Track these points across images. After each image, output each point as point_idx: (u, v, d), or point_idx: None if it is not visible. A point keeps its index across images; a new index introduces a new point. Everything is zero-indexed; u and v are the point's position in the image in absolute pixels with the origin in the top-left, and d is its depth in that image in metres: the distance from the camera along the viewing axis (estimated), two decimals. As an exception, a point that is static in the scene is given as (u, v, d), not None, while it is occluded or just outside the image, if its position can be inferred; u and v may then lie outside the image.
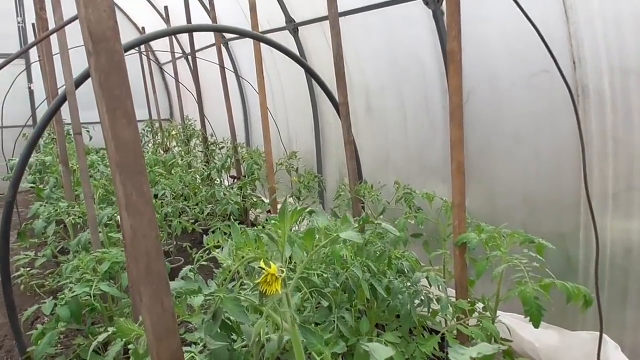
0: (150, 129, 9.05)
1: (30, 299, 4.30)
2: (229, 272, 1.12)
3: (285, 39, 5.25)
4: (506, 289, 2.55)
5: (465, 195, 2.68)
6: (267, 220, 4.84)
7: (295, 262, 1.71)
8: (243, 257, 1.11)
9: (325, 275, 2.12)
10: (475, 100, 3.28)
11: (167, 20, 7.32)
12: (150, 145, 9.00)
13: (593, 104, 2.64)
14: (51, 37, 3.87)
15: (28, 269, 3.94)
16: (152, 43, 9.50)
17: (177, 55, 8.33)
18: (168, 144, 8.39)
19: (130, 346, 1.40)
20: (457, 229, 2.71)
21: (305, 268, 2.19)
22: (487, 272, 2.49)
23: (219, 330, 1.21)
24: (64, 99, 2.98)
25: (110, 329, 1.48)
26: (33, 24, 7.92)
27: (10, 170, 5.17)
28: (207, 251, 2.37)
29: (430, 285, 2.45)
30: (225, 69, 5.74)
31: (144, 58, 9.16)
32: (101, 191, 3.67)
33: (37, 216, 4.14)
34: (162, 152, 8.11)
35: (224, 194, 5.13)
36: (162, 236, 4.59)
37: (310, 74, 3.62)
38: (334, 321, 2.08)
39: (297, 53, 5.12)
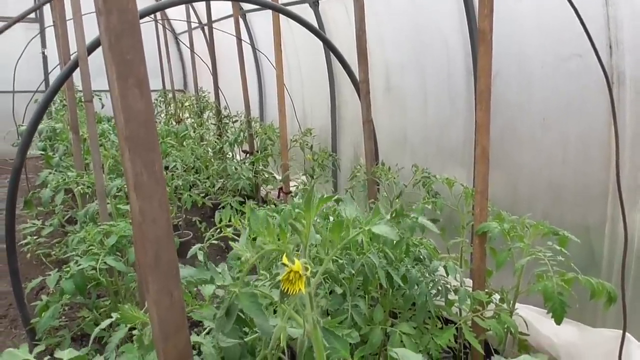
0: (163, 100, 8.94)
1: (37, 268, 4.26)
2: (247, 264, 1.02)
3: (305, 12, 5.09)
4: (525, 282, 2.45)
5: (488, 184, 2.56)
6: (279, 197, 4.75)
7: (316, 251, 1.61)
8: (262, 248, 1.01)
9: (340, 261, 2.02)
10: (501, 82, 3.13)
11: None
12: (162, 115, 8.90)
13: (629, 91, 2.49)
14: (65, 1, 3.76)
15: (35, 237, 3.89)
16: (168, 11, 9.33)
17: (193, 26, 8.18)
18: (181, 115, 8.28)
19: (134, 332, 1.31)
20: (478, 217, 2.60)
21: (318, 252, 2.09)
22: (506, 264, 2.38)
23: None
24: (75, 64, 2.87)
25: (115, 315, 1.39)
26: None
27: (21, 136, 5.09)
28: (218, 230, 2.28)
29: (448, 275, 2.35)
30: (242, 42, 5.59)
31: (159, 27, 9.01)
32: (111, 161, 3.58)
33: (45, 184, 4.08)
34: (174, 123, 8.01)
35: (236, 169, 5.04)
36: (172, 210, 4.51)
37: (330, 47, 3.48)
38: (348, 309, 1.99)
39: (317, 27, 4.96)
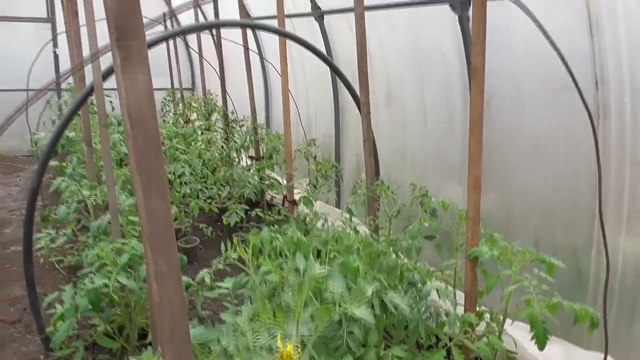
0: (171, 99, 9.09)
1: (49, 273, 4.44)
2: (247, 335, 1.16)
3: (310, 23, 5.22)
4: (517, 299, 2.59)
5: (481, 203, 2.69)
6: (283, 204, 4.88)
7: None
8: (260, 322, 1.16)
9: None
10: (496, 106, 3.26)
11: (192, -8, 7.28)
12: (170, 115, 9.05)
13: (614, 125, 2.62)
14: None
15: (49, 243, 4.05)
16: (178, 15, 9.46)
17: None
18: (189, 114, 8.43)
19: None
20: (470, 241, 2.73)
21: (317, 282, 2.24)
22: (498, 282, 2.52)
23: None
24: (91, 90, 3.02)
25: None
26: (60, -10, 7.94)
27: (35, 144, 5.26)
28: (235, 240, 2.44)
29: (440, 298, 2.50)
30: (250, 50, 5.72)
31: (169, 26, 9.13)
32: (123, 178, 3.74)
33: (59, 192, 4.25)
34: (182, 122, 8.15)
35: (242, 176, 5.19)
36: (179, 216, 4.68)
37: (336, 72, 3.63)
38: (343, 336, 2.14)
39: (322, 40, 5.09)
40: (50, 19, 9.03)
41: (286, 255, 2.50)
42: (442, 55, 3.70)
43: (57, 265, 4.07)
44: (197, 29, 5.05)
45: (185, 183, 4.97)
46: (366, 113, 3.52)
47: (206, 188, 4.99)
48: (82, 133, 4.12)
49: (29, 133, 7.73)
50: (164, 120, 9.03)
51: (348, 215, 3.61)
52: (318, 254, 2.70)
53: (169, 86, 9.53)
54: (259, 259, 2.27)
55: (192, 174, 5.36)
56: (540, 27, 2.24)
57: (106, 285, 2.65)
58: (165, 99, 9.12)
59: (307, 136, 6.08)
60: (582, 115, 2.75)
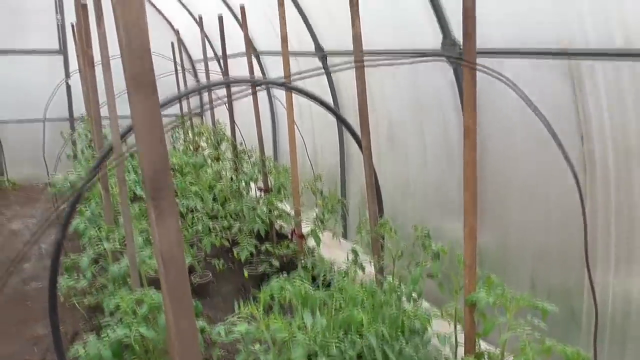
0: (181, 126, 9.32)
1: (69, 311, 4.63)
2: None
3: (315, 61, 5.43)
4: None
5: (479, 244, 2.87)
6: (291, 238, 5.08)
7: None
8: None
9: (342, 345, 2.35)
10: (490, 155, 3.44)
11: (201, 28, 7.52)
12: (180, 141, 9.28)
13: (599, 178, 2.80)
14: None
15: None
16: (185, 40, 9.73)
17: (210, 57, 8.55)
18: (199, 141, 8.66)
19: None
20: (467, 287, 2.91)
21: (323, 335, 2.43)
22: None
23: None
24: (110, 150, 3.23)
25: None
26: (72, 24, 8.21)
27: (54, 186, 5.49)
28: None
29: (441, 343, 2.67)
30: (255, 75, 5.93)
31: (177, 54, 9.38)
32: (140, 227, 3.95)
33: (78, 233, 4.47)
34: (191, 148, 8.37)
35: (251, 209, 5.39)
36: (191, 251, 4.87)
37: (343, 122, 3.84)
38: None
39: (326, 78, 5.30)
40: (63, 51, 9.32)
41: (296, 308, 2.69)
42: (439, 100, 3.89)
43: (77, 306, 4.25)
44: (210, 86, 5.35)
45: (197, 219, 5.18)
46: (368, 156, 3.71)
47: (218, 226, 5.19)
48: (99, 180, 4.33)
49: (45, 165, 7.99)
50: (174, 147, 9.27)
51: (353, 257, 3.79)
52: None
53: (178, 112, 9.77)
54: (269, 315, 2.46)
55: (202, 207, 5.58)
56: (523, 96, 2.43)
57: (127, 336, 2.84)
58: (174, 127, 9.35)
59: (314, 165, 6.29)
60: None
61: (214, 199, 5.85)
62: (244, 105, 7.66)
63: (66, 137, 7.79)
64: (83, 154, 6.71)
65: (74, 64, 8.90)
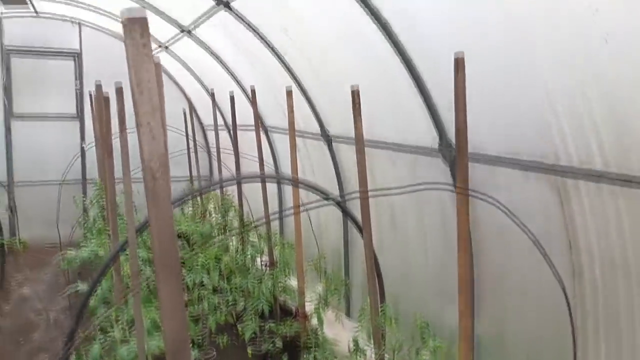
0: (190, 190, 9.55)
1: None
2: None
3: (320, 142, 5.68)
4: None
5: (477, 329, 2.99)
6: (295, 317, 5.19)
7: None
8: None
9: None
10: (486, 254, 3.60)
11: (213, 100, 7.86)
12: (189, 207, 9.48)
13: (587, 284, 2.94)
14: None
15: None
16: (197, 109, 10.10)
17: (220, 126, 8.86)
18: (206, 206, 8.86)
19: None
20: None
21: None
22: None
23: None
24: (125, 244, 3.42)
25: None
26: (90, 92, 8.59)
27: (68, 263, 5.67)
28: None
29: None
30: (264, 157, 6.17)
31: (188, 120, 9.70)
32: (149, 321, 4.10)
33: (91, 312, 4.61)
34: (200, 215, 8.57)
35: (256, 285, 5.52)
36: (196, 328, 4.98)
37: (345, 212, 4.01)
38: None
39: (330, 159, 5.53)
40: (79, 116, 9.67)
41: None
42: (439, 195, 4.08)
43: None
44: (221, 183, 5.68)
45: (204, 296, 5.31)
46: (369, 245, 3.88)
47: (222, 302, 5.32)
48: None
49: (57, 228, 8.17)
50: (182, 211, 9.47)
51: (354, 346, 3.90)
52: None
53: (188, 174, 10.02)
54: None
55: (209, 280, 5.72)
56: (513, 217, 2.61)
57: None
58: (184, 190, 9.59)
59: (318, 240, 6.44)
60: (562, 270, 3.09)
61: (220, 273, 5.99)
62: (251, 170, 7.92)
63: (78, 202, 8.01)
64: (95, 223, 6.90)
65: (89, 132, 9.24)
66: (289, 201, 7.34)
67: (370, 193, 3.52)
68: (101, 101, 5.02)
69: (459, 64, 2.81)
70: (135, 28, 1.24)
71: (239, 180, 5.38)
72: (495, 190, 3.44)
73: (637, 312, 2.71)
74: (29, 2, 7.55)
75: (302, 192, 5.81)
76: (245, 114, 7.63)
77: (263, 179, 5.02)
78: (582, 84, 2.48)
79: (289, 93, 4.79)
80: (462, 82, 2.82)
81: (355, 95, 3.70)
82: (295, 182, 3.99)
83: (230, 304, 5.50)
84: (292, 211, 4.77)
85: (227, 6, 5.05)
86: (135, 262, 3.41)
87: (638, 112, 2.33)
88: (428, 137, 3.82)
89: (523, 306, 3.45)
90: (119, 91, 3.58)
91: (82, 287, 4.80)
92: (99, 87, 5.69)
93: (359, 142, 3.67)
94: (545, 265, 3.19)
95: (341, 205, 4.16)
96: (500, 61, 2.98)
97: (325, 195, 3.97)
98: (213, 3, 5.18)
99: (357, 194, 3.58)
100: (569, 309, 2.73)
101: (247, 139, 7.45)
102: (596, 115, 2.51)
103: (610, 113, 2.44)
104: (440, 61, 3.26)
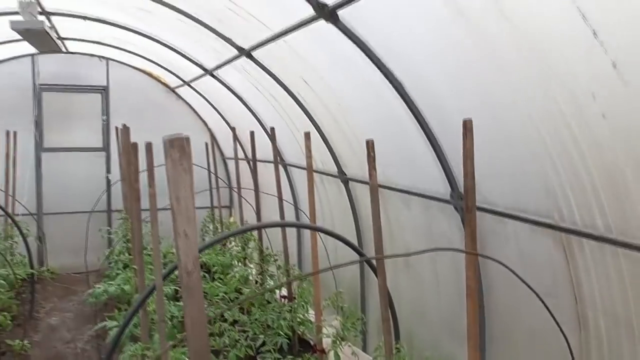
0: (211, 220, 9.80)
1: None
2: None
3: (337, 181, 5.89)
4: None
5: None
6: (314, 352, 5.35)
7: None
8: None
9: None
10: (496, 297, 3.75)
11: (234, 136, 8.13)
12: (210, 234, 9.73)
13: (592, 338, 3.08)
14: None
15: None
16: (219, 140, 10.41)
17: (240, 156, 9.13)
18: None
19: None
20: None
21: None
22: None
23: None
24: (152, 289, 3.65)
25: None
26: (116, 127, 8.93)
27: (95, 298, 5.91)
28: None
29: None
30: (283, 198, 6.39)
31: (210, 152, 10.01)
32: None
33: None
34: (220, 245, 8.79)
35: (274, 321, 5.71)
36: (218, 362, 5.17)
37: (369, 265, 4.20)
38: None
39: (347, 198, 5.73)
40: (105, 148, 10.03)
41: None
42: (449, 237, 4.25)
43: None
44: (243, 231, 5.98)
45: (225, 330, 5.51)
46: (384, 298, 4.05)
47: (243, 337, 5.50)
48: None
49: (84, 257, 8.46)
50: (203, 239, 9.72)
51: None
52: None
53: (209, 204, 10.29)
54: None
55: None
56: (518, 276, 2.77)
57: None
58: (205, 219, 9.86)
59: (335, 274, 6.62)
60: (567, 317, 3.22)
61: (241, 309, 6.18)
62: (271, 205, 8.15)
63: (104, 234, 8.31)
64: (120, 255, 7.17)
65: (115, 163, 9.59)
66: (307, 235, 7.55)
67: (385, 254, 3.70)
68: (128, 144, 5.28)
69: (467, 129, 3.00)
70: (175, 150, 1.47)
71: (262, 227, 5.59)
72: (506, 240, 3.62)
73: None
74: (61, 45, 7.94)
75: (320, 223, 6.03)
76: (265, 148, 7.89)
77: (284, 225, 5.23)
78: (582, 155, 2.65)
79: (307, 135, 5.02)
80: (470, 146, 3.00)
81: (370, 146, 3.89)
82: (315, 228, 4.19)
83: (250, 337, 5.69)
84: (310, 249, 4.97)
85: (249, 56, 5.33)
86: (162, 306, 3.63)
87: (636, 184, 2.49)
88: (441, 186, 4.01)
89: (532, 353, 3.58)
90: (149, 147, 3.82)
91: (110, 324, 5.02)
92: (125, 128, 5.96)
93: (374, 192, 3.86)
94: (557, 316, 3.34)
95: (359, 251, 4.34)
96: (506, 124, 3.17)
97: (344, 241, 4.16)
98: (236, 52, 5.45)
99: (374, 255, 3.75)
100: (572, 357, 2.86)
101: (267, 172, 7.70)
102: (597, 183, 2.68)
103: (610, 183, 2.61)
104: (450, 120, 3.46)
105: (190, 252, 1.50)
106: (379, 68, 3.62)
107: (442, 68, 3.33)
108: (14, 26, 5.05)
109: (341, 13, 3.49)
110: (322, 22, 3.64)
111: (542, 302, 2.82)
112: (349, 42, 3.63)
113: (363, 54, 3.63)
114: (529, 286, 2.82)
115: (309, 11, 3.65)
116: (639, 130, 2.31)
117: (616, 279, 2.85)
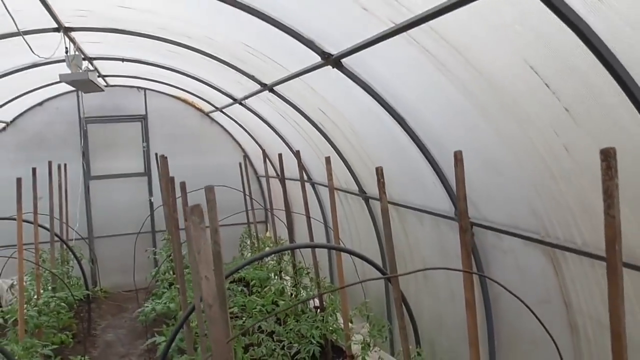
0: (248, 235, 10.37)
1: None
2: None
3: (359, 200, 6.33)
4: None
5: None
6: (344, 358, 5.80)
7: None
8: None
9: None
10: (504, 302, 4.13)
11: (265, 156, 8.68)
12: (247, 249, 10.29)
13: (583, 342, 3.43)
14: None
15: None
16: (253, 159, 10.98)
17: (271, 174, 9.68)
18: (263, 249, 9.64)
19: None
20: None
21: None
22: None
23: None
24: (192, 310, 4.17)
25: None
26: (156, 154, 9.58)
27: (145, 316, 6.49)
28: None
29: None
30: (311, 217, 6.87)
31: (244, 170, 10.58)
32: None
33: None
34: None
35: (307, 330, 6.18)
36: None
37: (382, 273, 4.62)
38: None
39: (369, 215, 6.17)
40: (147, 173, 10.72)
41: None
42: (457, 251, 4.63)
43: None
44: (275, 252, 6.57)
45: (262, 340, 6.01)
46: (398, 306, 4.47)
47: (279, 346, 5.99)
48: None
49: (133, 275, 9.11)
50: (241, 254, 10.30)
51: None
52: None
53: (245, 221, 10.83)
54: None
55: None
56: (512, 293, 3.16)
57: None
58: (243, 235, 10.43)
59: (363, 284, 7.06)
60: (559, 328, 3.58)
61: (276, 317, 6.68)
62: (302, 221, 8.65)
63: (150, 254, 8.96)
64: (165, 275, 7.78)
65: (156, 184, 10.27)
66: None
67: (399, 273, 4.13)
68: (167, 173, 5.83)
69: (458, 159, 3.41)
70: (195, 215, 1.96)
71: (292, 248, 6.07)
72: (503, 253, 4.01)
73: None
74: (103, 82, 8.63)
75: (346, 236, 6.48)
76: (294, 167, 8.41)
77: (313, 247, 5.71)
78: (556, 182, 3.04)
79: (328, 159, 5.48)
80: (461, 173, 3.41)
81: (379, 173, 4.33)
82: (337, 248, 4.66)
83: (285, 346, 6.18)
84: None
85: (271, 90, 5.84)
86: (201, 323, 4.14)
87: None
88: (447, 205, 4.41)
89: (537, 357, 3.95)
90: (183, 186, 4.34)
91: (159, 339, 5.58)
92: (164, 159, 6.53)
93: (384, 214, 4.29)
94: (551, 322, 3.71)
95: (382, 270, 4.78)
96: (493, 154, 3.57)
97: (367, 260, 4.61)
98: (259, 87, 5.98)
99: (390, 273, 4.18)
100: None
101: (298, 190, 8.21)
102: (571, 205, 3.06)
103: (582, 206, 2.99)
104: (447, 150, 3.88)
105: (210, 291, 1.99)
106: (382, 105, 4.07)
107: (433, 107, 3.77)
108: (63, 79, 5.69)
109: (344, 61, 3.95)
110: (329, 67, 4.11)
111: (531, 310, 3.20)
112: (354, 83, 4.09)
113: (367, 94, 4.08)
114: (517, 297, 3.20)
115: (317, 59, 4.13)
116: (594, 163, 2.69)
117: (596, 288, 3.21)
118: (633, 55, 1.98)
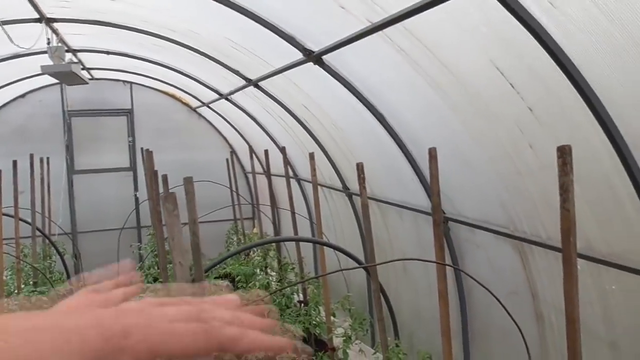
0: (234, 231, 10.44)
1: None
2: None
3: (343, 195, 6.45)
4: None
5: None
6: (326, 351, 5.92)
7: None
8: None
9: None
10: (477, 293, 4.27)
11: (251, 151, 8.76)
12: (234, 245, 10.36)
13: (547, 330, 3.58)
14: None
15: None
16: (240, 155, 11.05)
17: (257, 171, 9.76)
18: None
19: None
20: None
21: None
22: None
23: None
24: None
25: None
26: (142, 148, 9.62)
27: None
28: None
29: None
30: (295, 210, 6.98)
31: (230, 166, 10.65)
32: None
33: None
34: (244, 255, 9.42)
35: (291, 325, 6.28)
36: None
37: (366, 271, 4.74)
38: None
39: (352, 212, 6.29)
40: (132, 168, 10.75)
41: None
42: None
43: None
44: (266, 242, 6.66)
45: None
46: (377, 297, 4.59)
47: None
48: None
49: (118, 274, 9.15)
50: (227, 250, 10.37)
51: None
52: None
53: (232, 217, 10.90)
54: None
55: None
56: (486, 288, 3.30)
57: None
58: (229, 231, 10.50)
59: (346, 277, 7.19)
60: (527, 317, 3.73)
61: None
62: (289, 219, 8.74)
63: (134, 249, 9.02)
64: (150, 270, 7.85)
65: (141, 182, 10.30)
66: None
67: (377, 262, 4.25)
68: (152, 168, 5.90)
69: (432, 155, 3.52)
70: (169, 203, 2.06)
71: (279, 241, 6.17)
72: (476, 247, 4.15)
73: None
74: (87, 75, 8.65)
75: (329, 230, 6.61)
76: (280, 163, 8.50)
77: (298, 240, 5.81)
78: (522, 178, 3.18)
79: (311, 155, 5.59)
80: (435, 169, 3.52)
81: (360, 169, 4.44)
82: (323, 243, 4.78)
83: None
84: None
85: (256, 85, 5.93)
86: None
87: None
88: (424, 201, 4.54)
89: (508, 346, 4.09)
90: (165, 179, 4.41)
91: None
92: (149, 153, 6.59)
93: (364, 209, 4.40)
94: (519, 312, 3.85)
95: (361, 263, 4.90)
96: (464, 152, 3.70)
97: (350, 255, 4.72)
98: (244, 82, 6.07)
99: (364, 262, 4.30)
100: (527, 350, 3.37)
101: (284, 186, 8.31)
102: (536, 201, 3.20)
103: (546, 202, 3.12)
104: (424, 145, 4.00)
105: (184, 277, 2.09)
106: (362, 102, 4.18)
107: (410, 105, 3.89)
108: (45, 70, 5.70)
109: (326, 58, 4.06)
110: (311, 64, 4.22)
111: (498, 300, 3.33)
112: (335, 80, 4.20)
113: (348, 91, 4.19)
114: (487, 289, 3.33)
115: (299, 55, 4.23)
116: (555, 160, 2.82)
117: (559, 279, 3.35)
118: (585, 58, 2.11)
